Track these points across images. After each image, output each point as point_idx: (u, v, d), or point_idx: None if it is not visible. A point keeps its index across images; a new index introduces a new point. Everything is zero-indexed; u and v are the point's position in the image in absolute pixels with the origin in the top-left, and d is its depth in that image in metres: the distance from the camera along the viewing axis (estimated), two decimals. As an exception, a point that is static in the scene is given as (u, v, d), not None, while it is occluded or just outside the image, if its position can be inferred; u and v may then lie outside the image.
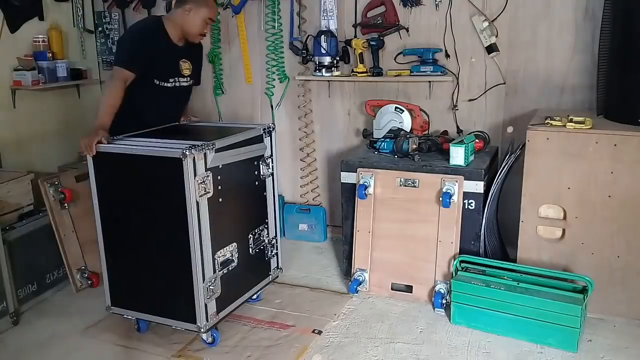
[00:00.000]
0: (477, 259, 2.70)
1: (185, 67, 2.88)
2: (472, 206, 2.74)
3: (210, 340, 2.48)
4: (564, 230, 2.61)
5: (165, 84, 2.80)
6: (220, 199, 2.39)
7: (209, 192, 2.31)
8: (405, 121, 3.17)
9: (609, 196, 2.49)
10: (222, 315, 2.48)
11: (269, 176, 2.78)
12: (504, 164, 2.80)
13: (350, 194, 2.99)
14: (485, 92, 3.22)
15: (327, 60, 3.39)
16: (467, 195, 2.73)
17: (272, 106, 3.79)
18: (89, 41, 4.06)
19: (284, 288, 3.02)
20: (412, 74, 3.26)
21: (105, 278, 2.58)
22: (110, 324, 2.71)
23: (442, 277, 2.74)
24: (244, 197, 2.64)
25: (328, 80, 3.52)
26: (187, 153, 2.18)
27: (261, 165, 2.71)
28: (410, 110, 3.19)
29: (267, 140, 2.72)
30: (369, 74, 3.35)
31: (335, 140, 3.69)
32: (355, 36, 3.41)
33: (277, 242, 2.89)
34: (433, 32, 3.25)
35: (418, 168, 2.83)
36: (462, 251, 2.74)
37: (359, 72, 3.35)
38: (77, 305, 2.94)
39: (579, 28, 2.96)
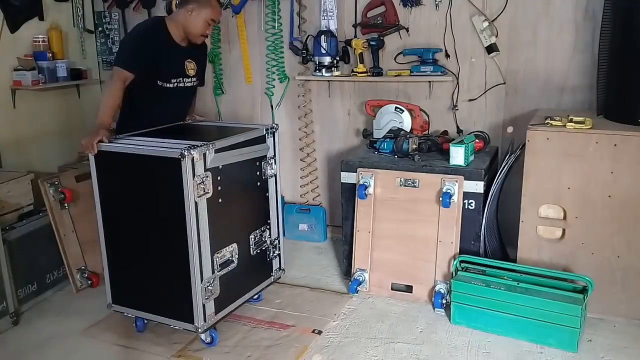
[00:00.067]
0: (477, 259, 2.70)
1: (191, 67, 2.88)
2: (472, 206, 2.74)
3: (208, 340, 2.48)
4: (564, 230, 2.61)
5: (167, 85, 2.79)
6: (220, 200, 2.39)
7: (208, 193, 2.31)
8: (405, 121, 3.17)
9: (609, 196, 2.49)
10: (221, 315, 2.48)
11: (272, 177, 2.76)
12: (504, 164, 2.80)
13: (350, 194, 2.99)
14: (485, 92, 3.22)
15: (327, 60, 3.39)
16: (467, 195, 2.73)
17: (272, 106, 3.79)
18: (89, 41, 4.06)
19: (284, 288, 3.02)
20: (412, 74, 3.26)
21: (107, 276, 2.58)
22: (111, 324, 2.71)
23: (442, 277, 2.74)
24: (245, 198, 2.63)
25: (328, 80, 3.52)
26: (185, 153, 2.18)
27: (264, 166, 2.70)
28: (410, 110, 3.19)
29: (269, 140, 2.70)
30: (369, 74, 3.35)
31: (335, 140, 3.69)
32: (355, 36, 3.41)
33: (279, 243, 2.87)
34: (433, 32, 3.25)
35: (418, 168, 2.83)
36: (462, 251, 2.74)
37: (359, 72, 3.35)
38: (77, 305, 2.94)
39: (579, 28, 2.96)
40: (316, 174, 3.80)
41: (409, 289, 2.84)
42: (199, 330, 2.37)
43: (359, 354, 2.42)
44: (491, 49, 3.12)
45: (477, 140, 2.95)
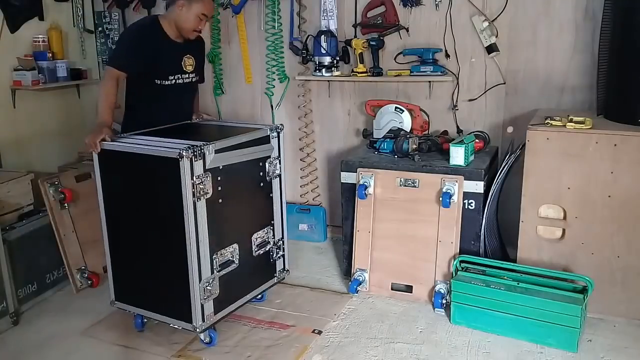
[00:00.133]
0: (477, 259, 2.70)
1: (189, 63, 2.88)
2: (472, 206, 2.74)
3: (207, 340, 2.48)
4: (564, 230, 2.61)
5: (165, 82, 2.79)
6: (221, 200, 2.38)
7: (207, 193, 2.30)
8: (405, 121, 3.17)
9: (609, 196, 2.49)
10: (221, 315, 2.47)
11: (276, 177, 2.73)
12: (504, 164, 2.80)
13: (350, 194, 2.99)
14: (485, 92, 3.22)
15: (327, 60, 3.39)
16: (467, 195, 2.73)
17: (272, 106, 3.79)
18: (89, 41, 4.07)
19: (284, 288, 3.02)
20: (412, 74, 3.26)
21: (110, 273, 2.59)
22: (111, 323, 2.71)
23: (442, 277, 2.74)
24: (247, 198, 2.61)
25: (328, 80, 3.52)
26: (183, 154, 2.18)
27: (267, 166, 2.67)
28: (410, 110, 3.19)
29: (274, 141, 2.68)
30: (369, 74, 3.35)
31: (335, 140, 3.69)
32: (355, 36, 3.41)
33: (283, 244, 2.84)
34: (433, 32, 3.25)
35: (418, 168, 2.82)
36: (462, 251, 2.74)
37: (359, 72, 3.35)
38: (77, 305, 2.94)
39: (579, 28, 2.96)
40: (316, 174, 3.79)
41: (409, 289, 2.84)
42: (197, 330, 2.37)
43: (359, 354, 2.42)
44: (491, 49, 3.12)
45: (477, 140, 2.95)
